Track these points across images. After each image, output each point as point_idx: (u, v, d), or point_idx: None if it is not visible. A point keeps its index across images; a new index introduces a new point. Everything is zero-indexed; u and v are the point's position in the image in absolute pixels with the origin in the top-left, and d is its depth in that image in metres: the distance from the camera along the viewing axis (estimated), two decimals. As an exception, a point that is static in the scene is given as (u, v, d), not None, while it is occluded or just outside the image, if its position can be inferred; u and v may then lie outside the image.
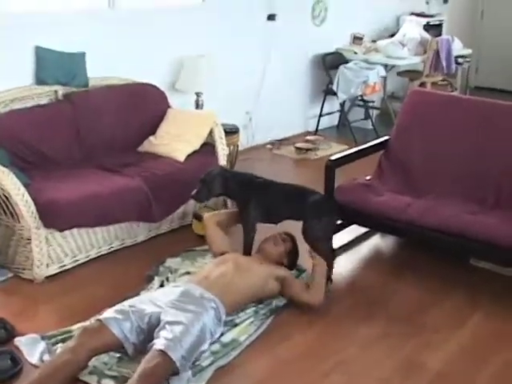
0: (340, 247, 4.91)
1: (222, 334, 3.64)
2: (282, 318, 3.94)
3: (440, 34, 8.80)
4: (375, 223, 4.72)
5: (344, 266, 4.70)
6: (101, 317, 3.37)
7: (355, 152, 5.11)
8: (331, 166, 4.78)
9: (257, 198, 4.34)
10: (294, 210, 4.31)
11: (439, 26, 9.19)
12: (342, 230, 4.99)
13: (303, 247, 4.29)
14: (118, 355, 3.41)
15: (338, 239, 4.92)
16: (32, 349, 3.51)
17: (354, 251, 4.92)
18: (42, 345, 3.53)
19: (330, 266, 4.24)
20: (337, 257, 4.46)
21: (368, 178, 5.07)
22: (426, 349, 3.68)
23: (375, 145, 5.27)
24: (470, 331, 3.88)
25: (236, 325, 3.76)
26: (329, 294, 4.13)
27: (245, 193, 4.35)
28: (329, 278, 4.22)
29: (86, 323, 3.60)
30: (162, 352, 3.14)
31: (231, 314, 3.79)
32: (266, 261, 4.17)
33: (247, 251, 4.36)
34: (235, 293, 3.80)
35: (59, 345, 3.52)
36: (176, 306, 3.47)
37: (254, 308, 3.92)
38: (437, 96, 5.51)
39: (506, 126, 4.78)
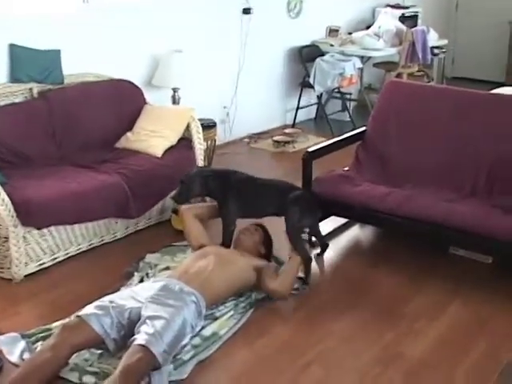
0: (319, 239, 4.93)
1: (202, 328, 3.64)
2: (261, 311, 3.95)
3: (415, 26, 8.81)
4: (354, 214, 4.74)
5: (323, 257, 4.71)
6: (80, 313, 3.36)
7: (332, 144, 5.13)
8: (308, 158, 4.79)
9: (236, 192, 4.35)
10: (275, 206, 4.33)
11: (414, 17, 9.21)
12: (320, 221, 4.99)
13: (279, 239, 4.32)
14: (98, 351, 3.40)
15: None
16: (12, 347, 3.50)
17: (333, 243, 4.92)
18: (22, 343, 3.51)
19: (308, 265, 4.24)
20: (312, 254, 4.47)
21: (345, 169, 5.09)
22: (405, 338, 3.70)
23: (352, 136, 5.28)
24: (450, 319, 3.90)
25: (216, 318, 3.76)
26: (306, 291, 4.15)
27: (224, 189, 4.36)
28: (307, 277, 4.22)
29: (66, 320, 3.58)
30: (144, 347, 3.13)
31: (211, 307, 3.80)
32: (245, 252, 4.17)
33: (226, 245, 4.37)
34: (215, 286, 3.80)
35: (39, 343, 3.51)
36: (156, 300, 3.46)
37: (233, 301, 3.93)
38: (412, 86, 5.53)
39: (482, 115, 4.82)
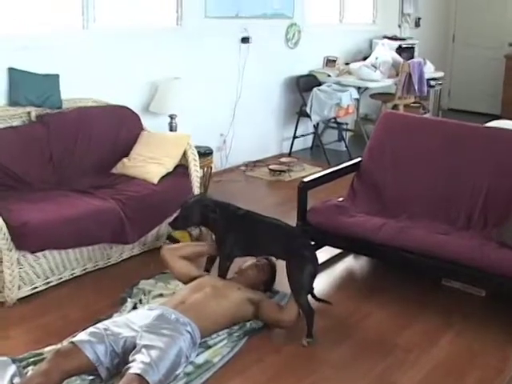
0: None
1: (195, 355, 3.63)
2: (255, 340, 3.94)
3: (412, 57, 8.92)
4: (348, 244, 4.74)
5: (317, 287, 4.67)
6: (74, 339, 3.34)
7: (328, 174, 5.14)
8: (304, 188, 4.81)
9: (236, 231, 4.22)
10: (276, 250, 4.19)
11: (411, 48, 9.31)
12: (315, 251, 4.99)
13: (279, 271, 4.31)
14: (89, 378, 3.35)
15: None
16: (2, 372, 3.43)
17: (327, 273, 4.93)
18: (13, 368, 3.46)
19: (310, 318, 4.01)
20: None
21: (340, 199, 5.10)
22: (398, 369, 3.69)
23: (348, 166, 5.30)
24: (443, 350, 3.90)
25: (209, 346, 3.74)
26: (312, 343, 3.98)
27: (224, 224, 4.23)
28: (310, 330, 4.00)
29: (59, 346, 3.57)
30: (139, 376, 3.11)
31: (207, 336, 3.78)
32: (243, 284, 4.17)
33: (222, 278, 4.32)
34: (211, 318, 3.80)
35: (30, 367, 3.47)
36: (151, 330, 3.45)
37: (227, 330, 3.91)
38: (408, 118, 5.57)
39: (476, 147, 4.85)
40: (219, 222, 4.24)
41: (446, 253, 4.26)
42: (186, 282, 4.19)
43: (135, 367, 3.16)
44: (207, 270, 4.42)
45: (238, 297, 4.01)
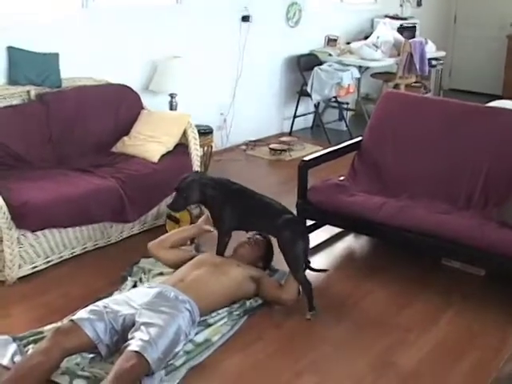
0: (313, 247, 4.91)
1: (195, 334, 3.64)
2: (254, 318, 3.95)
3: (413, 37, 8.87)
4: (348, 223, 4.74)
5: (317, 266, 4.69)
6: (74, 317, 3.34)
7: (328, 153, 5.13)
8: (304, 167, 4.80)
9: (232, 204, 4.25)
10: (266, 226, 4.23)
11: (413, 28, 9.25)
12: (314, 230, 5.01)
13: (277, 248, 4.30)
14: (90, 356, 3.39)
15: (312, 240, 4.93)
16: (3, 350, 3.46)
17: (327, 252, 4.94)
18: (14, 346, 3.48)
19: (309, 292, 4.04)
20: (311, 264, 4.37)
21: (341, 178, 5.09)
22: (398, 348, 3.70)
23: (348, 145, 5.29)
24: (442, 330, 3.91)
25: (209, 325, 3.75)
26: (315, 314, 4.02)
27: (221, 199, 4.25)
28: (310, 303, 4.03)
29: (59, 324, 3.58)
30: (138, 353, 3.12)
31: (206, 314, 3.79)
32: (242, 262, 4.17)
33: (220, 255, 4.34)
34: (210, 296, 3.81)
35: (31, 346, 3.49)
36: (151, 307, 3.46)
37: (227, 308, 3.92)
38: (409, 97, 5.55)
39: (477, 127, 4.83)
40: (217, 198, 4.25)
41: (446, 232, 4.25)
42: (180, 266, 4.16)
43: (134, 345, 3.17)
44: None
45: (239, 274, 4.02)
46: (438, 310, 4.11)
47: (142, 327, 3.28)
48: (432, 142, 4.94)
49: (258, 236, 4.40)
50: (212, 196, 4.23)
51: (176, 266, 4.18)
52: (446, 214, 4.43)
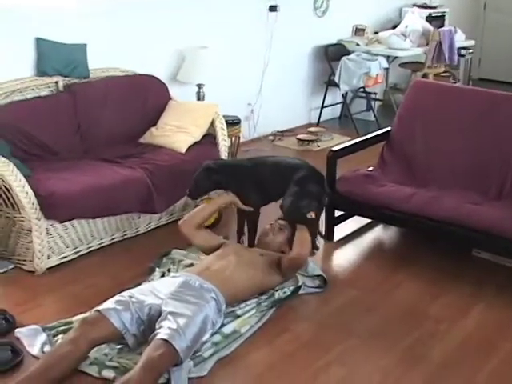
0: (342, 238, 4.91)
1: (223, 325, 3.63)
2: (283, 309, 3.92)
3: (442, 26, 8.77)
4: (377, 214, 4.70)
5: (346, 257, 4.69)
6: (100, 308, 3.35)
7: (357, 143, 5.09)
8: (333, 157, 4.76)
9: (249, 182, 4.29)
10: (284, 187, 4.20)
11: (442, 17, 9.14)
12: (343, 221, 4.99)
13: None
14: (118, 346, 3.40)
15: (340, 230, 4.92)
16: (33, 340, 3.50)
17: (356, 242, 4.91)
18: (43, 336, 3.52)
19: (315, 234, 4.19)
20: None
21: (370, 168, 5.06)
22: (428, 340, 3.66)
23: (377, 136, 5.25)
24: (473, 322, 3.86)
25: (238, 316, 3.74)
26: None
27: (235, 180, 4.31)
28: (313, 247, 4.21)
29: (86, 314, 3.59)
30: (167, 342, 3.12)
31: (232, 304, 3.79)
32: (267, 250, 4.17)
33: (251, 237, 4.39)
34: (235, 286, 3.79)
35: (60, 336, 3.51)
36: (176, 297, 3.46)
37: (255, 299, 3.90)
38: (439, 86, 5.47)
39: (508, 116, 4.75)
40: (225, 181, 4.31)
41: (476, 223, 4.21)
42: (209, 253, 4.19)
43: (162, 333, 3.17)
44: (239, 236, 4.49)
45: (262, 264, 4.01)
46: (468, 302, 4.06)
47: (170, 316, 3.28)
48: (462, 131, 4.88)
49: (280, 221, 4.37)
50: (218, 181, 4.30)
51: (204, 250, 4.24)
52: (477, 205, 4.37)
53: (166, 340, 3.12)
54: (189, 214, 4.40)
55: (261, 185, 4.30)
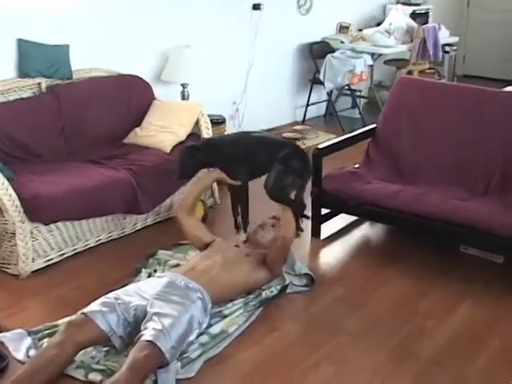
0: (329, 236, 4.89)
1: (210, 325, 3.61)
2: (270, 308, 3.90)
3: (426, 23, 8.76)
4: (364, 211, 4.68)
5: (333, 255, 4.68)
6: (86, 310, 3.32)
7: (342, 140, 5.08)
8: (318, 155, 4.74)
9: (234, 155, 4.26)
10: (268, 161, 4.17)
11: (425, 14, 9.14)
12: (330, 219, 4.96)
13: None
14: (105, 349, 3.37)
15: (327, 228, 4.90)
16: (18, 344, 3.46)
17: (343, 240, 4.89)
18: (29, 340, 3.48)
19: (299, 215, 4.20)
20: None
21: (356, 166, 5.04)
22: (417, 336, 3.65)
23: (362, 133, 5.24)
24: (462, 318, 3.85)
25: (225, 316, 3.71)
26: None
27: (220, 156, 4.29)
28: (298, 229, 4.20)
29: (72, 317, 3.55)
30: (152, 343, 3.10)
31: (219, 304, 3.76)
32: (254, 249, 4.14)
33: (246, 213, 4.42)
34: (221, 286, 3.77)
35: (45, 340, 3.47)
36: (162, 297, 3.43)
37: (243, 299, 3.88)
38: (424, 83, 5.48)
39: (493, 112, 4.75)
40: (215, 158, 4.28)
41: (463, 219, 4.20)
42: (198, 246, 4.21)
43: (147, 334, 3.14)
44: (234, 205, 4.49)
45: (248, 265, 3.98)
46: (457, 298, 4.05)
47: (155, 317, 3.25)
48: (448, 127, 4.87)
49: (271, 220, 4.36)
50: (203, 159, 4.28)
51: (194, 240, 4.28)
52: (464, 201, 4.38)
53: (150, 341, 3.10)
54: (181, 197, 4.41)
55: (246, 158, 4.25)
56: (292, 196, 4.11)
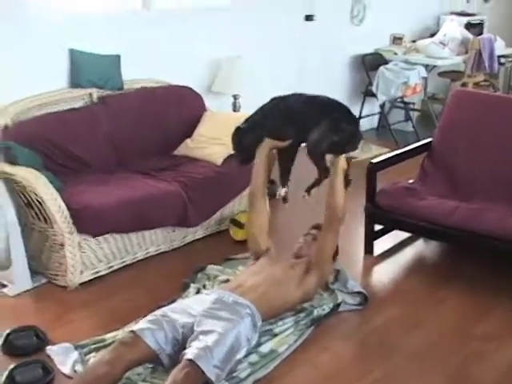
0: (382, 253, 4.76)
1: (260, 344, 3.51)
2: (322, 327, 3.79)
3: (481, 33, 8.58)
4: (418, 228, 4.54)
5: (386, 272, 4.55)
6: (134, 328, 3.25)
7: (397, 155, 4.95)
8: (373, 169, 4.63)
9: (281, 118, 4.11)
10: (317, 121, 4.01)
11: (480, 24, 8.96)
12: (383, 235, 4.83)
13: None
14: (151, 366, 3.29)
15: (380, 245, 4.77)
16: (64, 358, 3.42)
17: (397, 257, 4.76)
18: (75, 354, 3.44)
19: (320, 180, 4.07)
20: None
21: (411, 181, 4.90)
22: (476, 360, 3.50)
23: (418, 147, 5.10)
24: (524, 341, 3.70)
25: (275, 335, 3.61)
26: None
27: (267, 126, 4.12)
28: (309, 189, 4.10)
29: (120, 333, 3.53)
30: (192, 362, 3.02)
31: (269, 321, 3.66)
32: (297, 260, 4.05)
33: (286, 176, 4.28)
34: (270, 303, 3.67)
35: (92, 354, 3.43)
36: (209, 314, 3.36)
37: (293, 317, 3.76)
38: (482, 96, 5.34)
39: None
40: (263, 130, 4.12)
41: (524, 237, 4.04)
42: (253, 248, 4.15)
43: (189, 353, 3.07)
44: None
45: (295, 276, 3.87)
46: (517, 320, 3.89)
47: (200, 336, 3.18)
48: (508, 142, 4.71)
49: (312, 231, 4.27)
50: (254, 137, 4.13)
51: (259, 244, 4.14)
52: (523, 219, 4.21)
53: (191, 360, 3.03)
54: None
55: (291, 118, 4.09)
56: (327, 162, 3.99)
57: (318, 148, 3.97)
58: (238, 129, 4.19)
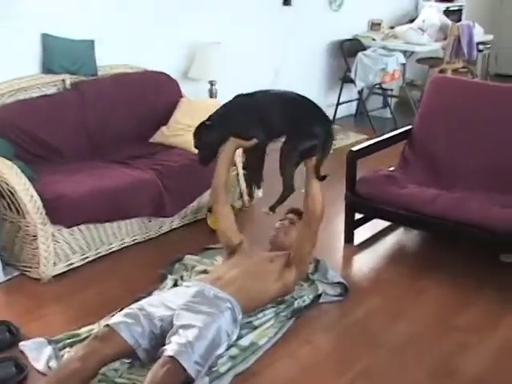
0: (362, 242, 4.70)
1: (240, 337, 3.43)
2: (302, 319, 3.71)
3: (459, 20, 8.54)
4: (399, 217, 4.47)
5: (366, 262, 4.49)
6: (110, 322, 3.16)
7: (377, 142, 4.87)
8: (353, 157, 4.55)
9: (246, 117, 3.91)
10: (285, 120, 3.86)
11: (459, 11, 8.92)
12: (363, 224, 4.77)
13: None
14: (128, 361, 3.20)
15: (361, 234, 4.71)
16: (38, 354, 3.33)
17: (377, 246, 4.70)
18: (49, 349, 3.34)
19: (285, 197, 3.82)
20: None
21: (391, 169, 4.84)
22: (459, 352, 3.44)
23: (398, 134, 5.03)
24: (504, 332, 3.64)
25: (255, 327, 3.53)
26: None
27: (232, 124, 3.93)
28: (274, 207, 3.86)
29: (95, 326, 3.45)
30: (172, 358, 2.94)
31: (249, 314, 3.59)
32: (277, 253, 3.95)
33: (259, 176, 4.09)
34: (250, 295, 3.59)
35: (66, 349, 3.34)
36: (189, 307, 3.27)
37: (273, 309, 3.69)
38: (461, 82, 5.28)
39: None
40: (229, 128, 3.93)
41: (504, 226, 3.98)
42: (225, 243, 4.01)
43: (169, 349, 2.99)
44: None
45: (274, 269, 3.79)
46: (500, 310, 3.83)
47: (180, 330, 3.10)
48: (488, 128, 4.67)
49: (289, 215, 4.16)
50: (219, 135, 3.94)
51: (229, 240, 3.99)
52: (505, 208, 4.15)
53: (172, 356, 2.95)
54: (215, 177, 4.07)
55: (260, 116, 3.89)
56: (294, 170, 3.81)
57: (292, 158, 3.80)
58: (201, 125, 4.00)
